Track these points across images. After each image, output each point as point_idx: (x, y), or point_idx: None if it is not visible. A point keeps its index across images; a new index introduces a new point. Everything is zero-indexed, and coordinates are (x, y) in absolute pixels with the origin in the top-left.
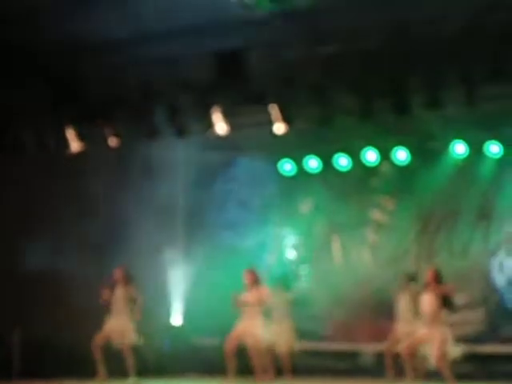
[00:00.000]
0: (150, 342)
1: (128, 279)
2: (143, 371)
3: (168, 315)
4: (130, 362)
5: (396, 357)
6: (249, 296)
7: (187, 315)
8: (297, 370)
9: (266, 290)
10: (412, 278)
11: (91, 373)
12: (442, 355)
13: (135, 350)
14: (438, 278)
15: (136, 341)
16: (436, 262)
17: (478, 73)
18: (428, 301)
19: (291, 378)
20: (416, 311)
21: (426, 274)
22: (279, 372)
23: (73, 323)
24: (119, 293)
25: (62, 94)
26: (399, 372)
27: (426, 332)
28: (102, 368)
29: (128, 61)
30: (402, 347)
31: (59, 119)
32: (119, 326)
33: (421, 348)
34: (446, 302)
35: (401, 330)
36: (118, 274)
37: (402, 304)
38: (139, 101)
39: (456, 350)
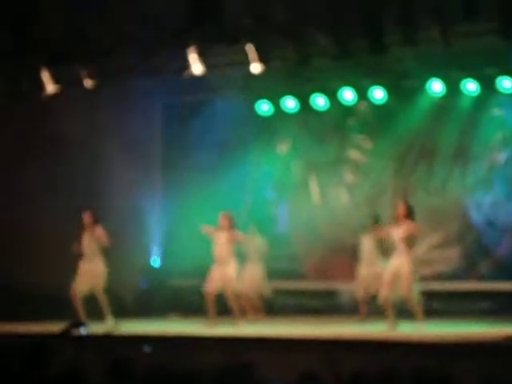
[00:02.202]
0: (128, 283)
1: (96, 222)
2: (121, 312)
3: (146, 257)
4: (104, 304)
5: (368, 297)
6: (221, 236)
7: (165, 257)
8: (275, 309)
9: (238, 234)
10: (376, 219)
11: (71, 316)
12: (410, 289)
13: (113, 291)
14: (409, 213)
15: (105, 283)
16: (412, 199)
17: (452, 10)
18: (398, 233)
19: (263, 317)
20: (380, 252)
21: (398, 208)
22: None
23: (48, 268)
24: (87, 236)
25: (35, 36)
26: (374, 311)
27: (395, 267)
28: (82, 314)
29: (101, 1)
30: (378, 288)
31: (33, 61)
32: (90, 271)
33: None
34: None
35: (364, 272)
36: (86, 218)
37: (366, 246)
38: (114, 42)
39: (418, 287)
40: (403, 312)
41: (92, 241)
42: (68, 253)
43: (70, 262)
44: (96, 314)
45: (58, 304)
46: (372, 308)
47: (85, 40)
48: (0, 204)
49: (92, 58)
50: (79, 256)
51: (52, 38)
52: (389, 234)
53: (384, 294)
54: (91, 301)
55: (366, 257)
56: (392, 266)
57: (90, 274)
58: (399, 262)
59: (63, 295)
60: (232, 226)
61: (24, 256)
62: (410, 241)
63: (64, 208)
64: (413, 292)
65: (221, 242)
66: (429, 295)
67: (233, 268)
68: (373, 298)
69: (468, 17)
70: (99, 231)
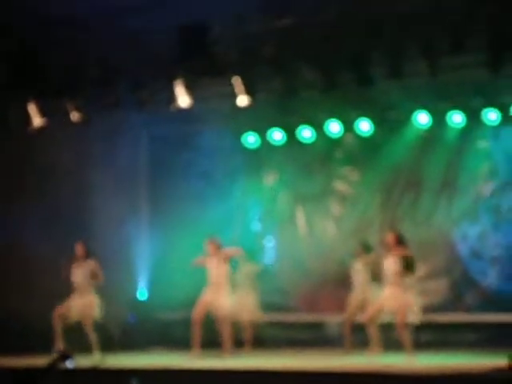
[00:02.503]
0: (115, 316)
1: (88, 254)
2: (108, 346)
3: (133, 289)
4: (93, 338)
5: (355, 327)
6: (212, 261)
7: (152, 289)
8: (262, 342)
9: (227, 250)
10: (367, 247)
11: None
12: (404, 320)
13: (100, 324)
14: (399, 241)
15: (98, 317)
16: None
17: (439, 44)
18: (390, 264)
19: (252, 349)
20: (371, 280)
21: (387, 238)
22: (241, 344)
23: (35, 298)
24: (80, 268)
25: (23, 69)
26: (361, 342)
27: (388, 295)
28: (59, 341)
29: (89, 35)
30: (363, 316)
31: (20, 95)
32: (81, 303)
33: (382, 315)
34: (408, 265)
35: (356, 300)
36: (78, 249)
37: (357, 274)
38: (101, 75)
39: (416, 317)
40: (392, 343)
41: (84, 273)
42: (56, 284)
43: (58, 293)
44: (81, 347)
45: (45, 336)
46: (360, 339)
47: (72, 73)
48: None
49: (79, 92)
50: (69, 288)
51: (39, 72)
52: (380, 262)
53: (369, 314)
54: (77, 333)
55: (357, 285)
56: (385, 294)
57: (82, 305)
58: (393, 290)
59: (50, 327)
60: (219, 248)
61: (12, 287)
62: (405, 266)
63: (51, 240)
64: (405, 322)
65: (214, 265)
66: (416, 327)
67: (227, 293)
68: (360, 329)
69: (455, 49)
70: (94, 265)
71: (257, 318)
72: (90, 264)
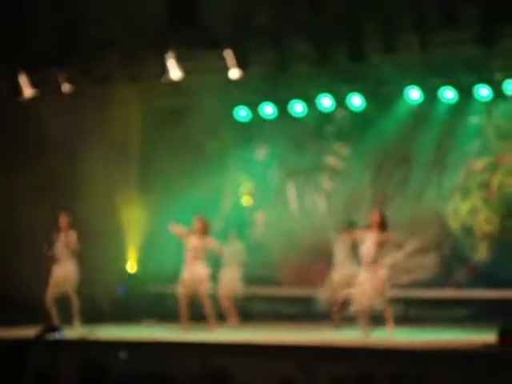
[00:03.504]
0: (105, 288)
1: (70, 226)
2: (98, 318)
3: (123, 261)
4: (76, 307)
5: (339, 303)
6: (193, 241)
7: (142, 262)
8: (251, 316)
9: (212, 242)
10: (351, 224)
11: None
12: (384, 295)
13: (89, 296)
14: (382, 222)
15: (76, 285)
16: (389, 206)
17: (431, 19)
18: (367, 249)
19: (239, 323)
20: (353, 257)
21: (372, 215)
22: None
23: (27, 269)
24: (62, 239)
25: (13, 40)
26: (350, 317)
27: (366, 275)
28: (55, 318)
29: (80, 6)
30: (353, 309)
31: (11, 66)
32: (63, 274)
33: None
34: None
35: (337, 276)
36: (62, 220)
37: (339, 250)
38: (92, 46)
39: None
40: (376, 318)
41: (65, 244)
42: (41, 253)
43: (45, 264)
44: (68, 317)
45: (32, 308)
46: (347, 314)
47: (64, 45)
48: None
49: (70, 63)
50: (52, 258)
51: (30, 43)
52: (362, 237)
53: (358, 300)
54: (65, 305)
55: (339, 261)
56: (364, 274)
57: (63, 276)
58: (370, 269)
59: (37, 299)
60: (206, 230)
61: None
62: (383, 248)
63: (42, 209)
64: (385, 298)
65: (192, 245)
66: (406, 302)
67: (204, 270)
68: (346, 304)
69: (447, 25)
70: (71, 237)
71: (238, 292)
72: (69, 235)
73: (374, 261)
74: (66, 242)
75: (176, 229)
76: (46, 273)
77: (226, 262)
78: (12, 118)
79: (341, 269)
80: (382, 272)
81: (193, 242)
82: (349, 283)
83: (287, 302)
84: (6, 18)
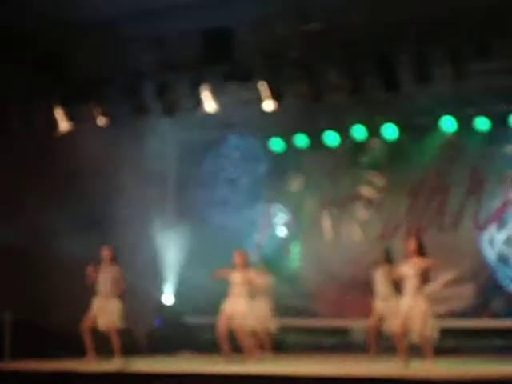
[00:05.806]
0: (141, 320)
1: (114, 259)
2: (134, 351)
3: (159, 294)
4: (116, 343)
5: (379, 334)
6: (236, 276)
7: (178, 294)
8: (287, 347)
9: (253, 274)
10: (388, 256)
11: (80, 352)
12: (424, 329)
13: (126, 329)
14: (420, 249)
15: (120, 324)
16: (425, 236)
17: (465, 49)
18: (410, 275)
19: (275, 355)
20: (393, 287)
21: (409, 244)
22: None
23: (61, 301)
24: (105, 273)
25: (50, 73)
26: (385, 349)
27: (409, 305)
28: (91, 351)
29: (116, 39)
30: (393, 326)
31: (47, 99)
32: (105, 308)
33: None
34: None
35: (380, 307)
36: (105, 253)
37: (380, 280)
38: (127, 79)
39: (435, 325)
40: (414, 350)
41: (108, 278)
42: (81, 288)
43: (84, 298)
44: (106, 350)
45: (70, 340)
46: (384, 345)
47: (98, 78)
48: (18, 239)
49: (106, 97)
50: (93, 291)
51: (66, 77)
52: (400, 273)
53: (398, 330)
54: (102, 337)
55: (380, 291)
56: (405, 304)
57: (106, 310)
58: (413, 300)
59: (75, 332)
60: (246, 264)
61: (39, 291)
62: (423, 277)
63: (78, 242)
64: (427, 330)
65: (236, 281)
66: (442, 333)
67: (244, 304)
68: (384, 335)
69: (480, 55)
70: (118, 272)
71: (271, 325)
72: (115, 270)
73: (417, 290)
74: (111, 275)
75: (220, 275)
76: (86, 305)
77: (257, 294)
78: (48, 151)
79: (380, 301)
80: (425, 302)
81: (237, 277)
82: (390, 313)
83: (323, 333)
84: (44, 51)
